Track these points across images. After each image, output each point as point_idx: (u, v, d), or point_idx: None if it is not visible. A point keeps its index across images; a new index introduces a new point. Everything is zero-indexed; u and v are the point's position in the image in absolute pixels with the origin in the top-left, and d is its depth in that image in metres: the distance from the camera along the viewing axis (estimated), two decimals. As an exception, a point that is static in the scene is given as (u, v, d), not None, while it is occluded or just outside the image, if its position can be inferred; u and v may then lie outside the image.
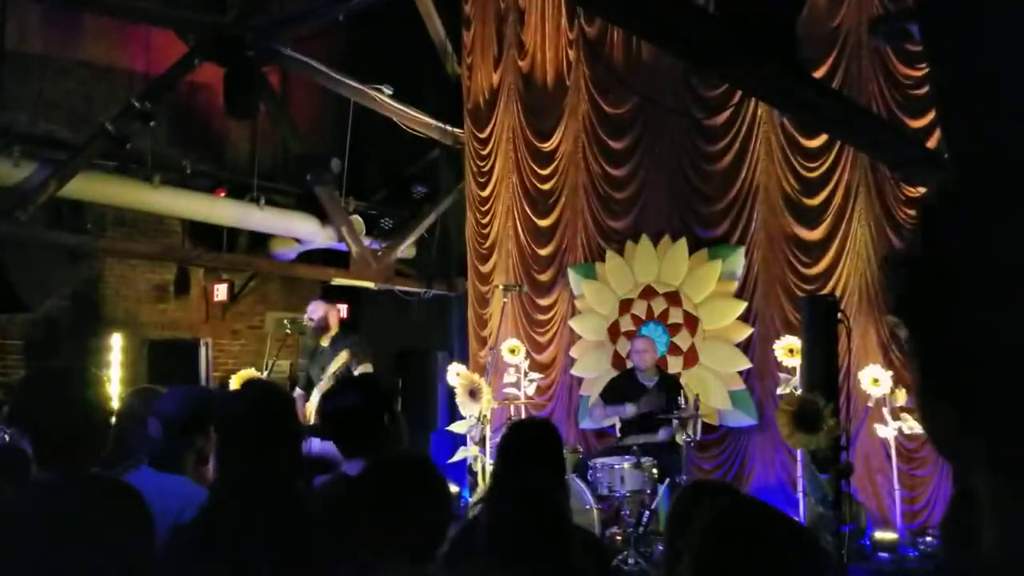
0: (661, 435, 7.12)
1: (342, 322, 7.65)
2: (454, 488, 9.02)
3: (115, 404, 3.07)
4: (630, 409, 7.27)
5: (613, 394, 7.55)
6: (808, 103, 4.19)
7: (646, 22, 3.73)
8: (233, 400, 2.81)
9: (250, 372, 6.82)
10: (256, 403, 2.66)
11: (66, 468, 2.56)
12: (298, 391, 6.83)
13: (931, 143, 6.49)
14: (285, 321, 7.32)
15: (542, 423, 3.84)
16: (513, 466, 3.29)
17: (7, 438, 4.84)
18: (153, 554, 2.47)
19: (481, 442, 7.22)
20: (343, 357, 6.48)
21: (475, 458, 7.32)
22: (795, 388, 6.44)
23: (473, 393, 7.09)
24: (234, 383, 6.48)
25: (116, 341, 8.50)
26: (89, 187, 7.87)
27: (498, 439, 3.51)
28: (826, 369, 4.48)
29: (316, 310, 7.18)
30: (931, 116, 7.06)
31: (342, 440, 3.12)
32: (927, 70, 7.14)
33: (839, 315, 4.72)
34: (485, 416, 7.17)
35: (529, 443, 3.39)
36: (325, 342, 7.12)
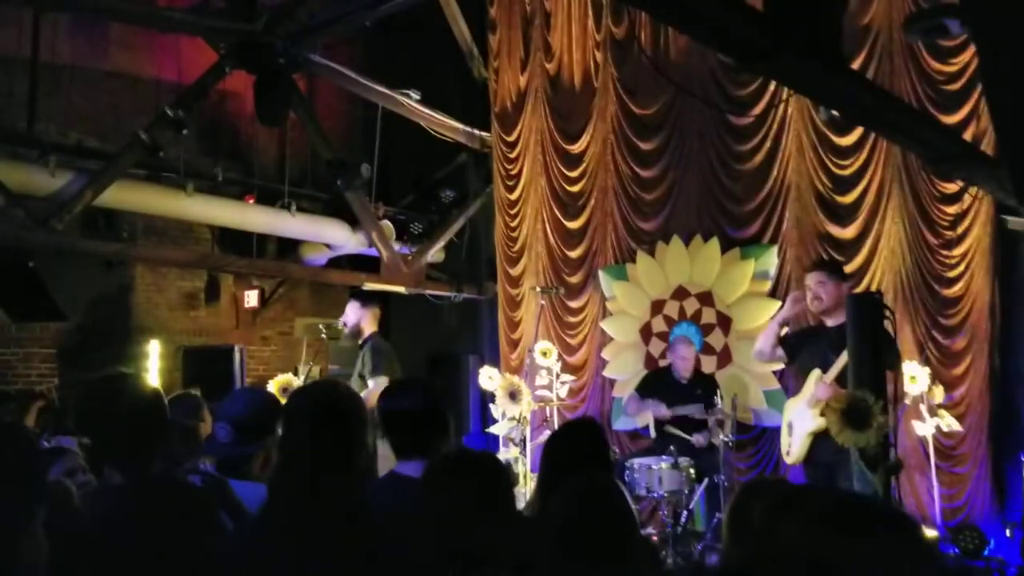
0: (697, 439, 7.10)
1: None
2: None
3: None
4: (665, 412, 7.26)
5: (648, 390, 7.53)
6: (853, 99, 4.17)
7: (693, 21, 3.71)
8: (301, 395, 2.80)
9: (287, 377, 6.80)
10: (323, 399, 2.66)
11: (132, 470, 2.57)
12: None
13: (966, 138, 6.45)
14: (320, 326, 7.32)
15: (591, 422, 3.82)
16: (567, 466, 3.26)
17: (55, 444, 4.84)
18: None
19: (521, 444, 7.22)
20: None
21: (516, 459, 7.32)
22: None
23: (513, 395, 7.09)
24: (272, 388, 6.49)
25: (154, 348, 8.55)
26: (125, 196, 7.91)
27: (546, 439, 3.47)
28: (873, 366, 4.45)
29: (351, 313, 7.18)
30: (965, 111, 7.03)
31: (401, 440, 3.09)
32: (960, 65, 7.12)
33: (885, 311, 4.69)
34: (525, 418, 7.16)
35: (584, 443, 3.38)
36: (359, 343, 7.17)
